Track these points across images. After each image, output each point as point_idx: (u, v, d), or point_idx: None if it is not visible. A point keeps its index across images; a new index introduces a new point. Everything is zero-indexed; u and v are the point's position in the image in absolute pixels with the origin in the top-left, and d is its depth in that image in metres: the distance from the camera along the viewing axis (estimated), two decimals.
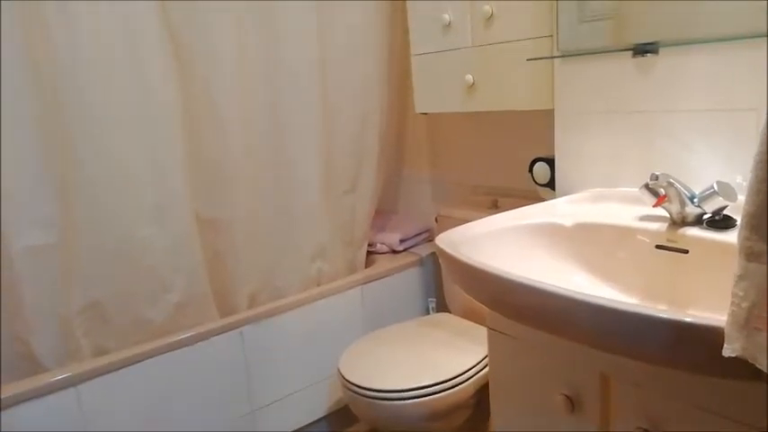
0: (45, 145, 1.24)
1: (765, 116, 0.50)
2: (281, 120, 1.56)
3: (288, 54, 1.54)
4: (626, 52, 1.00)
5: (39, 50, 1.20)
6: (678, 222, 0.88)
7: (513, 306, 0.77)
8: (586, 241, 0.95)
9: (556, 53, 1.12)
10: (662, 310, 0.60)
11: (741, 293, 0.51)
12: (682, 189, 0.86)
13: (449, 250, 0.85)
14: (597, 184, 1.10)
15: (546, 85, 1.17)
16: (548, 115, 1.17)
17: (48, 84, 1.22)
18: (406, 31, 1.56)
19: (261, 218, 1.57)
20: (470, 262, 0.80)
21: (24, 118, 1.21)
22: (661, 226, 0.89)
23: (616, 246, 0.93)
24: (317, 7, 1.56)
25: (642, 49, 0.97)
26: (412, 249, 1.91)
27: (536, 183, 1.35)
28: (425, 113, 1.68)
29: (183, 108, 1.40)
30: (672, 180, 0.85)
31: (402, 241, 1.90)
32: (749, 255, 0.50)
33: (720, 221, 0.84)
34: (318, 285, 1.70)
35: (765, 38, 0.82)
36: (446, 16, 1.39)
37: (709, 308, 0.66)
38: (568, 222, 0.98)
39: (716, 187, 0.83)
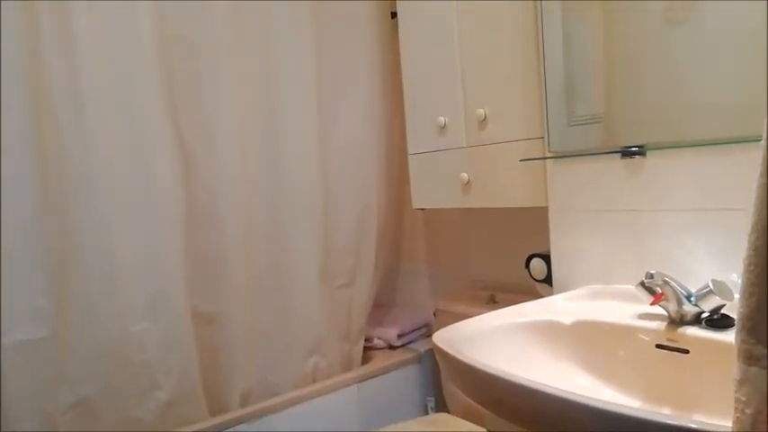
0: (44, 236, 1.25)
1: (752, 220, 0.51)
2: (280, 216, 1.59)
3: (289, 154, 1.59)
4: (615, 154, 1.04)
5: (48, 147, 1.25)
6: (677, 321, 0.87)
7: (513, 408, 0.75)
8: (586, 339, 0.94)
9: (547, 154, 1.16)
10: (667, 416, 0.58)
11: (744, 399, 0.50)
12: (678, 287, 0.86)
13: (446, 349, 0.84)
14: (594, 281, 1.10)
15: (539, 183, 1.20)
16: (543, 211, 1.20)
17: (53, 175, 1.25)
18: (403, 131, 1.63)
19: (257, 312, 1.55)
20: (468, 361, 0.79)
21: (26, 207, 1.23)
22: (660, 324, 0.88)
23: (616, 344, 0.91)
24: (318, 110, 1.64)
25: (630, 152, 1.01)
26: (410, 345, 1.87)
27: (533, 278, 1.35)
28: (422, 209, 1.72)
29: (185, 204, 1.43)
30: (667, 278, 0.86)
31: (400, 336, 1.86)
32: (748, 358, 0.50)
33: (719, 320, 0.83)
34: (313, 382, 1.65)
35: (752, 142, 0.85)
36: (441, 119, 1.46)
37: (714, 410, 0.64)
38: (567, 320, 0.97)
39: (711, 286, 0.84)
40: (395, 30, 1.64)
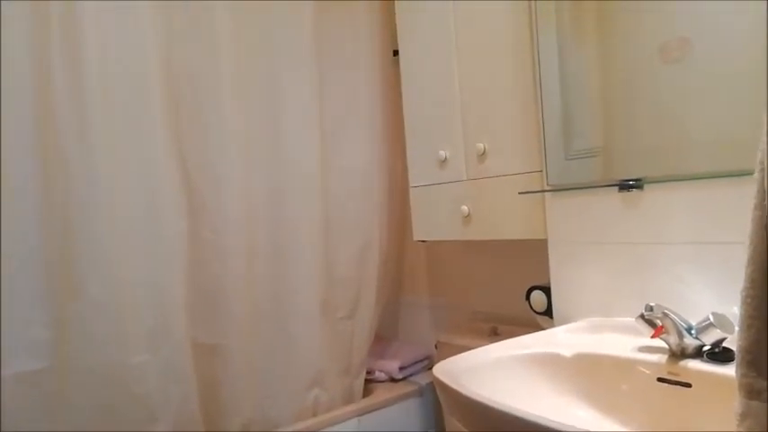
0: (44, 266, 1.26)
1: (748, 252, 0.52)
2: (282, 247, 1.60)
3: (291, 185, 1.60)
4: (612, 187, 1.05)
5: (53, 178, 1.26)
6: (678, 354, 0.87)
7: None
8: (587, 372, 0.93)
9: (546, 187, 1.18)
10: None
11: None
12: (678, 320, 0.86)
13: (446, 381, 0.84)
14: (594, 313, 1.10)
15: (539, 215, 1.21)
16: (542, 244, 1.21)
17: (58, 207, 1.26)
18: (405, 164, 1.65)
19: (257, 344, 1.54)
20: (468, 394, 0.78)
21: (27, 237, 1.24)
22: (661, 357, 0.88)
23: (617, 378, 0.91)
24: (321, 144, 1.66)
25: (627, 185, 1.02)
26: (412, 378, 1.85)
27: (533, 311, 1.35)
28: (424, 241, 1.73)
29: (187, 235, 1.44)
30: (667, 311, 0.86)
31: (401, 369, 1.85)
32: (749, 392, 0.50)
33: (720, 354, 0.83)
34: (314, 415, 1.63)
35: (747, 175, 0.86)
36: (442, 153, 1.48)
37: None
38: (568, 353, 0.97)
39: (712, 319, 0.84)
40: (396, 66, 1.68)
